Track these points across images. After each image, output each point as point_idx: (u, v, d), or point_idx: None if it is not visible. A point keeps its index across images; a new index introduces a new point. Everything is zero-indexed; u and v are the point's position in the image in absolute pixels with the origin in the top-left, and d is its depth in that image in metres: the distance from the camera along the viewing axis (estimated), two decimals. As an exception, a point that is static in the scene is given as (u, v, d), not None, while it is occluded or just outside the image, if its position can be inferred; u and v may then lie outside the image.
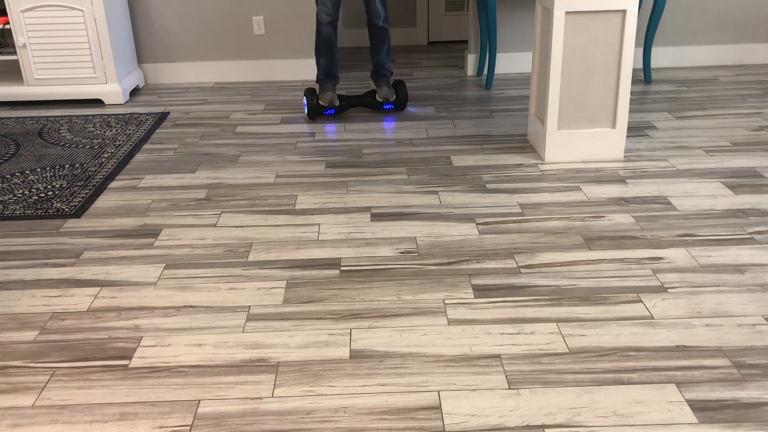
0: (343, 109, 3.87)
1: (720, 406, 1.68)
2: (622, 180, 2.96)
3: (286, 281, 2.27)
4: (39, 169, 3.22)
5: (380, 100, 3.87)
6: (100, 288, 2.26)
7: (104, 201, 2.91)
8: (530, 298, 2.14)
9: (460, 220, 2.65)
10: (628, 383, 1.77)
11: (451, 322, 2.04)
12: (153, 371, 1.86)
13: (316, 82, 3.90)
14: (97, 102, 4.29)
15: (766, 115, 3.72)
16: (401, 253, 2.43)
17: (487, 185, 2.95)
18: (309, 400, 1.74)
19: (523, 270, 2.30)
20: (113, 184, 3.07)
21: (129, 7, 4.48)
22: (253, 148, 3.47)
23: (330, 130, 3.65)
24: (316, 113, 3.82)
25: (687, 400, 1.70)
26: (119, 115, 4.02)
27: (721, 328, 1.97)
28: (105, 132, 3.72)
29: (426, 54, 5.45)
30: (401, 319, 2.05)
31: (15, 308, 2.17)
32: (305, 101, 3.81)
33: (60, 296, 2.22)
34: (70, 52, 4.11)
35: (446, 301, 2.14)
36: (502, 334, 1.97)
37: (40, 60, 4.12)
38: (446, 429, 1.64)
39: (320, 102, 3.79)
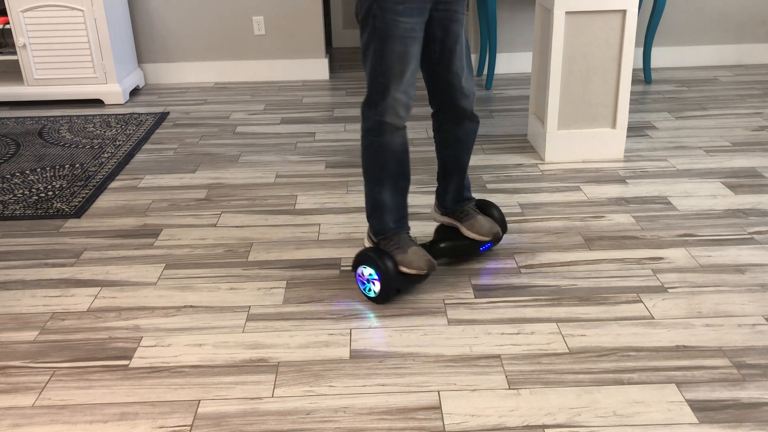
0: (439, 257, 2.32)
1: (720, 406, 1.68)
2: (622, 180, 2.96)
3: (286, 281, 2.27)
4: (39, 169, 3.22)
5: (481, 238, 2.28)
6: (100, 288, 2.26)
7: (104, 201, 2.91)
8: (530, 298, 2.14)
9: (460, 220, 2.64)
10: (628, 383, 1.77)
11: (451, 322, 2.04)
12: (153, 371, 1.86)
13: (376, 235, 2.19)
14: (97, 102, 4.29)
15: (766, 115, 3.72)
16: (401, 253, 2.42)
17: (487, 185, 2.95)
18: (309, 400, 1.74)
19: (523, 270, 2.30)
20: (113, 184, 3.07)
21: (129, 7, 4.48)
22: (253, 148, 3.47)
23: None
24: (396, 288, 2.11)
25: (687, 400, 1.70)
26: (119, 115, 4.02)
27: (721, 328, 1.97)
28: (105, 132, 3.72)
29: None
30: (401, 319, 2.05)
31: (15, 308, 2.17)
32: (374, 274, 2.07)
33: (60, 296, 2.22)
34: (70, 52, 4.11)
35: (446, 301, 2.13)
36: (502, 334, 1.97)
37: (40, 60, 4.12)
38: (446, 429, 1.64)
39: (407, 269, 2.08)
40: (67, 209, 2.82)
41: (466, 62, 2.12)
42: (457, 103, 2.15)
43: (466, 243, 2.32)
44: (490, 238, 2.29)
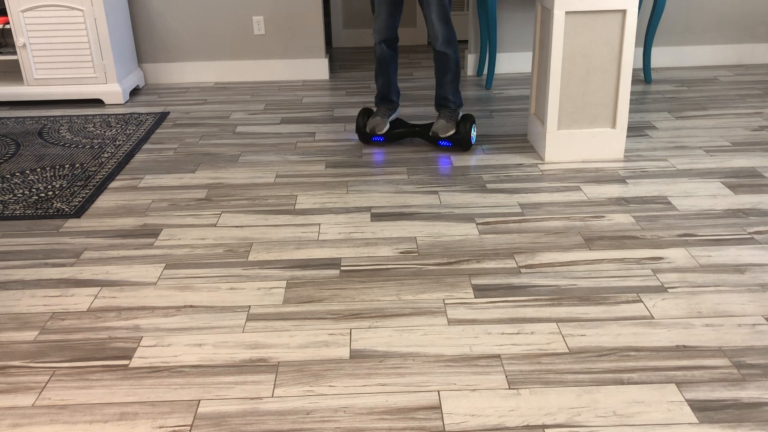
0: (394, 138, 3.44)
1: (720, 406, 1.68)
2: (622, 180, 2.96)
3: (286, 281, 2.27)
4: (39, 169, 3.22)
5: (431, 134, 3.32)
6: (100, 288, 2.26)
7: (104, 201, 2.91)
8: (530, 298, 2.14)
9: (460, 220, 2.65)
10: (628, 383, 1.77)
11: (451, 322, 2.04)
12: (153, 371, 1.86)
13: (375, 104, 3.55)
14: (97, 102, 4.29)
15: (766, 115, 3.72)
16: (401, 253, 2.43)
17: (487, 185, 2.95)
18: (309, 400, 1.74)
19: (523, 270, 2.30)
20: (113, 184, 3.07)
21: (129, 7, 4.48)
22: (253, 148, 3.47)
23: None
24: (364, 137, 3.46)
25: (687, 400, 1.70)
26: (119, 115, 4.02)
27: (721, 328, 1.97)
28: (105, 132, 3.72)
29: (426, 54, 5.45)
30: (401, 319, 2.05)
31: (15, 308, 2.17)
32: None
33: (60, 296, 2.22)
34: (70, 52, 4.11)
35: (446, 301, 2.14)
36: (502, 334, 1.97)
37: (40, 60, 4.12)
38: (446, 429, 1.64)
39: (366, 127, 3.42)
40: (67, 209, 2.82)
41: (439, 17, 3.18)
42: (431, 41, 3.29)
43: (427, 133, 3.36)
44: (431, 135, 3.30)
